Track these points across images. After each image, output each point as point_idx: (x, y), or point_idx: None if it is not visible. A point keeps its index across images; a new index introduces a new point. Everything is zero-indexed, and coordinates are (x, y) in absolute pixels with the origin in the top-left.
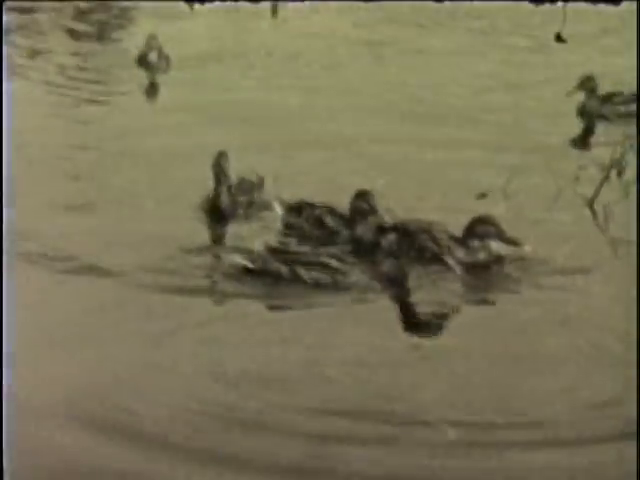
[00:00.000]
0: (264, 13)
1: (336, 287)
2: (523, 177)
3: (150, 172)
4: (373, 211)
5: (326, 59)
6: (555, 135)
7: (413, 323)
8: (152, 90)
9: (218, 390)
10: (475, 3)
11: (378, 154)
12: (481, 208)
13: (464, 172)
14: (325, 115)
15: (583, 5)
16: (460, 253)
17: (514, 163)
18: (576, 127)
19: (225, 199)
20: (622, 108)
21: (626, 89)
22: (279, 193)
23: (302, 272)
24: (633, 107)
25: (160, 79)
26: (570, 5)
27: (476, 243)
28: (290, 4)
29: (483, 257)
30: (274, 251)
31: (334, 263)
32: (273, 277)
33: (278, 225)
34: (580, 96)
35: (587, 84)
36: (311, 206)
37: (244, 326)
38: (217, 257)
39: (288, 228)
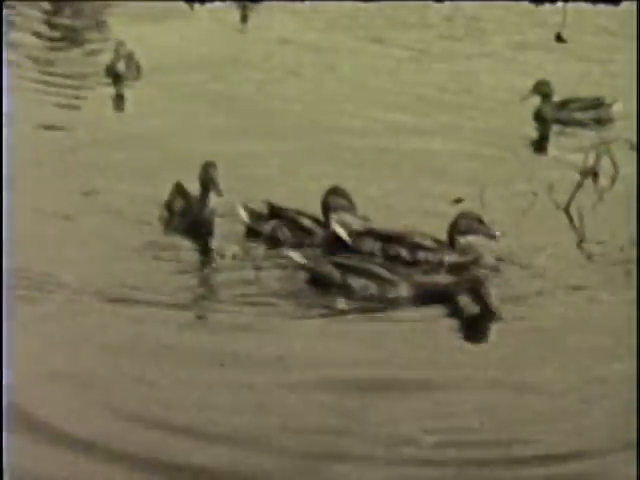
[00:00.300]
0: (234, 20)
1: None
2: (497, 182)
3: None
4: (351, 207)
5: (293, 66)
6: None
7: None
8: (120, 100)
9: None
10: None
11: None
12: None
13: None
14: (291, 121)
15: (583, 5)
16: (451, 257)
17: (488, 167)
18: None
19: (210, 209)
20: (580, 114)
21: (582, 95)
22: (243, 199)
23: (352, 279)
24: (591, 114)
25: (129, 88)
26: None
27: (462, 240)
28: (259, 12)
29: (470, 257)
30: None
31: (384, 273)
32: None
33: (242, 231)
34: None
35: (542, 89)
36: (280, 209)
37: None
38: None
39: (253, 234)
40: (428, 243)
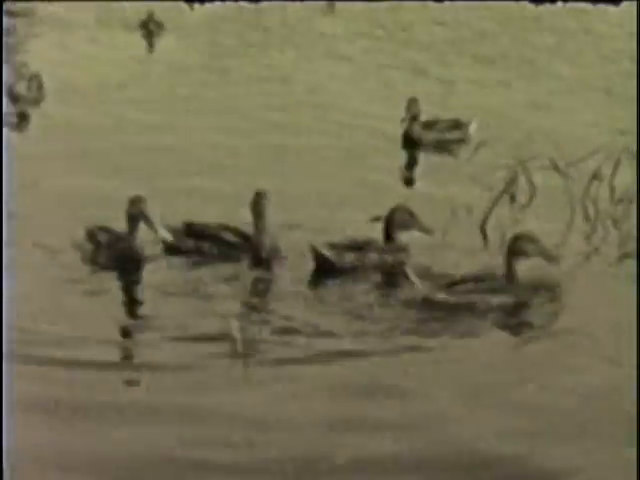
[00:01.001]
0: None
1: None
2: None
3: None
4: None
5: (199, 90)
6: None
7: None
8: (21, 123)
9: None
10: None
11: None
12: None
13: None
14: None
15: (583, 5)
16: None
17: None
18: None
19: (139, 243)
20: (447, 135)
21: (445, 116)
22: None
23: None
24: (456, 134)
25: (32, 111)
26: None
27: (400, 235)
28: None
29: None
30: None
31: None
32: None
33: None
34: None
35: (412, 108)
36: (203, 225)
37: None
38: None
39: (176, 252)
40: (377, 243)
